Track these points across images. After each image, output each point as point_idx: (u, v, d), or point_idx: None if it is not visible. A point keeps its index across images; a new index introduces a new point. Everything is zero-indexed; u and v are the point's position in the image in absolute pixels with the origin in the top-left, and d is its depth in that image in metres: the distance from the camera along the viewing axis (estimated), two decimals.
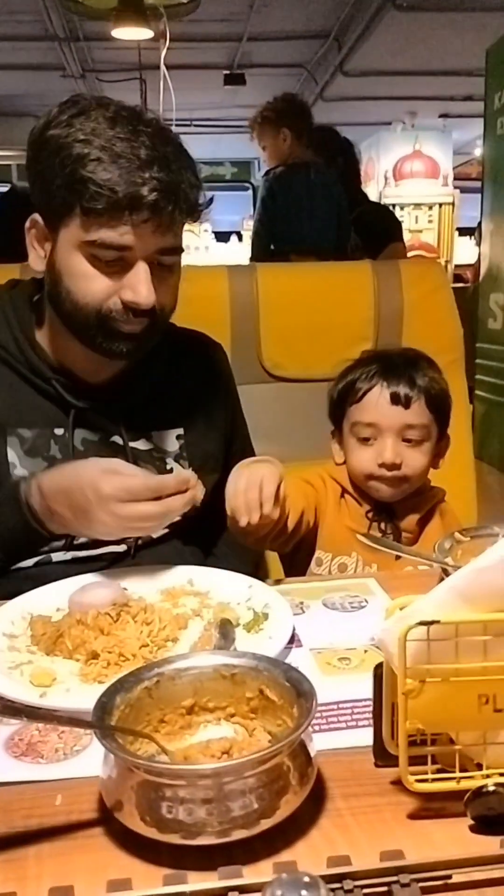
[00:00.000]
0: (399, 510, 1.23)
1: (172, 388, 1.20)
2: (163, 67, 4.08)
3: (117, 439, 1.15)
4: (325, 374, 1.62)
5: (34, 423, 1.11)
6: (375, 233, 3.07)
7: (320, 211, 2.92)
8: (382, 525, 1.22)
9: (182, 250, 1.08)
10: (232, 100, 6.32)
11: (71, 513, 0.98)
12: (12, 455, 1.10)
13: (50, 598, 0.95)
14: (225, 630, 0.84)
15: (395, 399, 1.18)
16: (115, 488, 0.95)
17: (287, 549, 1.17)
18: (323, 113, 6.28)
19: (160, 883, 0.52)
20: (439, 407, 1.22)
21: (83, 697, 0.74)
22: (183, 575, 1.02)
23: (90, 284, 1.02)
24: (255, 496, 0.95)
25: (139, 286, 1.02)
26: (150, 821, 0.56)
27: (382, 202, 6.31)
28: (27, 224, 1.07)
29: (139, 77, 5.45)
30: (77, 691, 0.78)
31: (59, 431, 1.12)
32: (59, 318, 1.09)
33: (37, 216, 1.06)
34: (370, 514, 1.22)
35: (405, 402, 1.18)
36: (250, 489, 0.96)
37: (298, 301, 1.61)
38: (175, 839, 0.55)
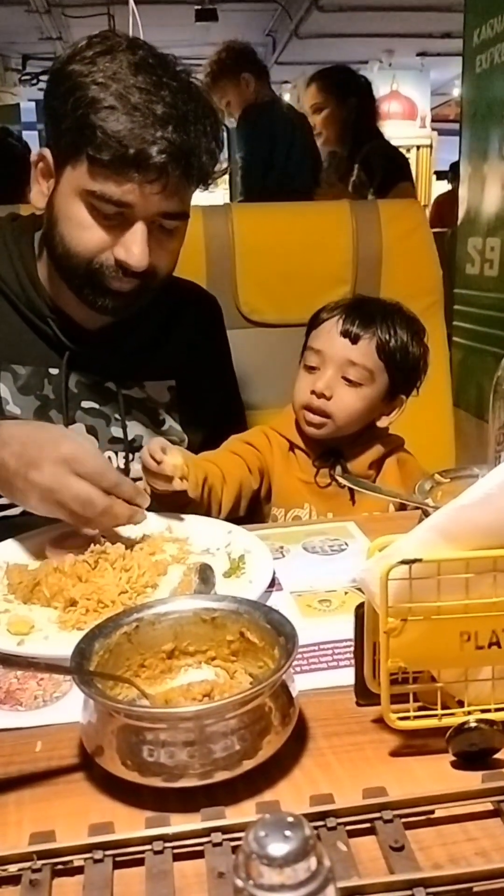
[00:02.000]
0: (347, 454, 1.21)
1: (166, 339, 1.19)
2: (131, 2, 3.92)
3: (111, 385, 1.14)
4: (302, 318, 1.57)
5: (29, 360, 1.10)
6: (383, 172, 3.01)
7: (298, 144, 2.89)
8: (331, 470, 1.19)
9: (188, 216, 1.04)
10: (204, 37, 6.09)
11: (16, 461, 0.88)
12: (5, 391, 1.09)
13: (26, 547, 0.94)
14: (205, 575, 0.83)
15: (346, 333, 1.16)
16: (73, 452, 0.87)
17: (240, 514, 1.15)
18: (297, 51, 6.11)
19: (142, 826, 0.52)
20: (392, 360, 1.18)
21: (62, 645, 0.73)
22: (161, 522, 1.00)
23: (84, 234, 0.99)
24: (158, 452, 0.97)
25: (133, 247, 0.98)
26: (131, 765, 0.55)
27: None
28: (34, 157, 1.04)
29: (107, 13, 5.24)
30: (56, 639, 0.77)
31: (53, 371, 1.11)
32: (51, 261, 1.06)
33: (45, 151, 1.02)
34: (317, 462, 1.20)
35: (353, 339, 1.16)
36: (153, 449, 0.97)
37: (275, 242, 1.57)
38: (157, 782, 0.55)
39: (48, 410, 1.11)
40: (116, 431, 1.14)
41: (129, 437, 1.15)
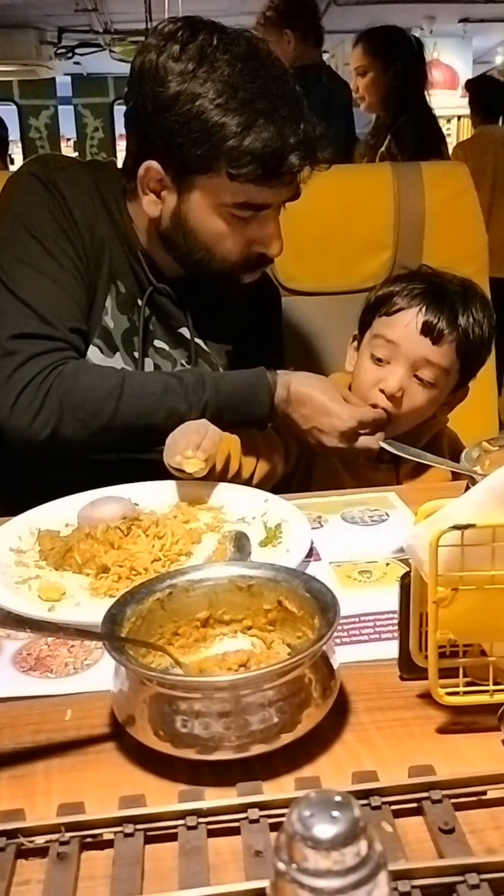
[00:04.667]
0: (396, 438, 1.13)
1: (227, 306, 1.22)
2: None
3: (184, 331, 1.17)
4: (340, 286, 1.54)
5: (126, 283, 1.14)
6: (414, 148, 2.84)
7: (335, 117, 2.76)
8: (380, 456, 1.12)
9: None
10: (240, 6, 5.98)
11: (302, 421, 1.04)
12: (109, 302, 1.12)
13: (58, 513, 0.92)
14: (240, 543, 0.80)
15: (427, 329, 1.06)
16: (352, 419, 1.02)
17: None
18: (336, 18, 5.96)
19: (175, 799, 0.49)
20: (470, 354, 1.10)
21: (93, 611, 0.70)
22: (196, 490, 0.98)
23: (228, 242, 1.05)
24: (195, 440, 0.91)
25: (274, 241, 1.06)
26: (163, 735, 0.53)
27: None
28: (141, 172, 1.05)
29: None
30: (87, 605, 0.75)
31: (139, 302, 1.14)
32: (184, 265, 1.11)
33: (154, 165, 1.03)
34: None
35: (436, 337, 1.06)
36: (190, 433, 0.92)
37: (313, 207, 1.49)
38: (190, 754, 0.52)
39: (132, 336, 1.13)
40: None
41: None
